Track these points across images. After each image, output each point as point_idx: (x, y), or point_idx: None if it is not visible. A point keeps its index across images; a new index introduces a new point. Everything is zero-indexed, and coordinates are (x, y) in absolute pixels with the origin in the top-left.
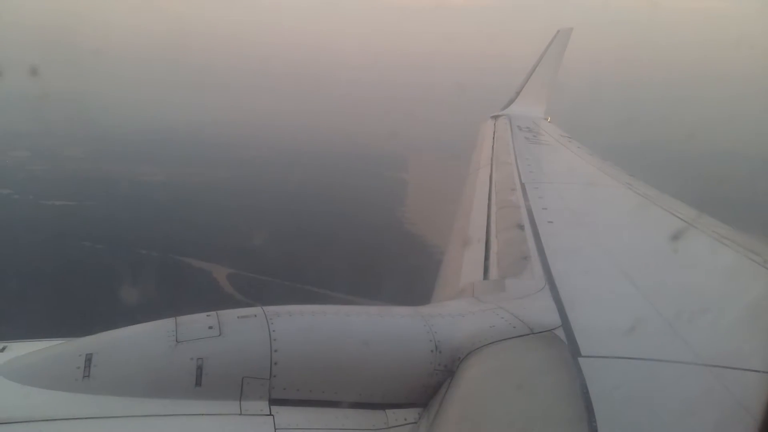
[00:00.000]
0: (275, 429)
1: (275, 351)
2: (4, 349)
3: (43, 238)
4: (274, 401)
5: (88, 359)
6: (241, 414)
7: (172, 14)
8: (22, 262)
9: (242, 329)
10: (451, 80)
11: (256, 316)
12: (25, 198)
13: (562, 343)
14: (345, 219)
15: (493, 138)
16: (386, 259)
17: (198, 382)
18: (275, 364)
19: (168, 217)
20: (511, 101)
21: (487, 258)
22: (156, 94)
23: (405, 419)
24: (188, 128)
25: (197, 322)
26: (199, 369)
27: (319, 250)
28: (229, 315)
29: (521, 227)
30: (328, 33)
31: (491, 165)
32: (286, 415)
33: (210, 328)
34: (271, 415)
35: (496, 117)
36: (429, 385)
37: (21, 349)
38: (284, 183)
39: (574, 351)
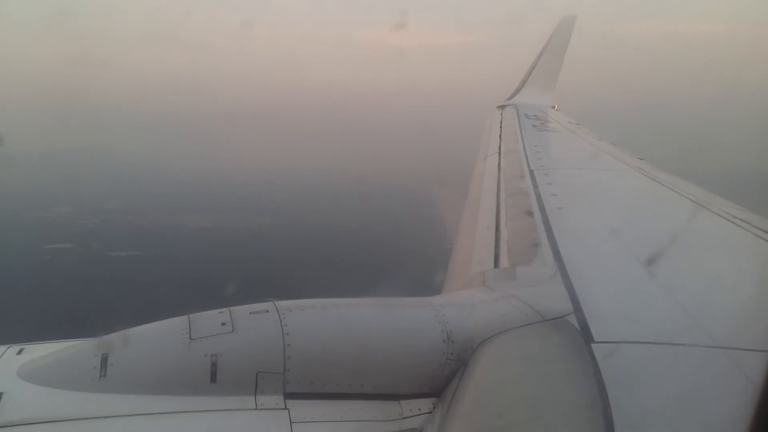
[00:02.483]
0: (291, 423)
1: (288, 345)
2: (21, 351)
3: (130, 289)
4: (288, 395)
5: (104, 359)
6: (256, 409)
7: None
8: (122, 315)
9: (255, 325)
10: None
11: (268, 311)
12: (91, 251)
13: (575, 329)
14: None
15: (500, 127)
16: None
17: (213, 379)
18: (288, 358)
19: (240, 261)
20: (517, 90)
21: (497, 246)
22: (171, 146)
23: (419, 409)
24: (213, 175)
25: (210, 318)
26: (214, 365)
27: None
28: (242, 311)
29: (531, 214)
30: (333, 78)
31: (499, 153)
32: (301, 409)
33: (223, 324)
34: (286, 409)
35: (502, 107)
36: (442, 374)
37: (38, 351)
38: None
39: (587, 337)
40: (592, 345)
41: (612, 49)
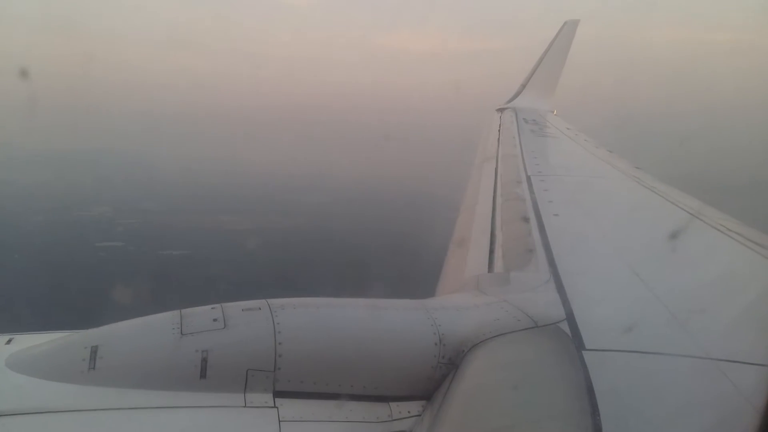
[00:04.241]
0: (279, 421)
1: (279, 343)
2: (10, 341)
3: (186, 287)
4: (278, 393)
5: (94, 351)
6: (245, 406)
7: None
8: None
9: (247, 321)
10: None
11: (260, 308)
12: (141, 249)
13: (567, 336)
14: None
15: (499, 130)
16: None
17: (203, 375)
18: (279, 356)
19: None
20: (517, 94)
21: (491, 251)
22: (195, 148)
23: (409, 412)
24: (245, 176)
25: (202, 314)
26: (204, 361)
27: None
28: (234, 307)
29: (526, 220)
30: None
31: (497, 157)
32: (291, 408)
33: (215, 320)
34: (275, 407)
35: (501, 110)
36: (433, 377)
37: (27, 342)
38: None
39: (579, 344)
40: (584, 352)
41: (616, 56)
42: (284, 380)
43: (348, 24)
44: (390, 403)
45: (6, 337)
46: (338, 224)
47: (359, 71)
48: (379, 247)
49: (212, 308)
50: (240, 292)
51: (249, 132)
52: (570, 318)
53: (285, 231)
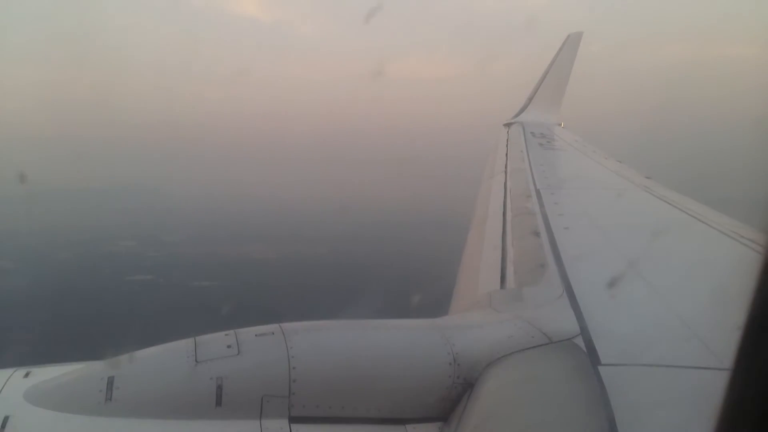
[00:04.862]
0: None
1: (293, 368)
2: (28, 374)
3: (222, 318)
4: (293, 419)
5: (110, 382)
6: None
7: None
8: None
9: (260, 347)
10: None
11: (273, 333)
12: (172, 282)
13: (582, 351)
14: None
15: (507, 145)
16: None
17: (218, 402)
18: (294, 381)
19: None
20: (523, 108)
21: (503, 267)
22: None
23: None
24: (264, 205)
25: (216, 341)
26: (219, 388)
27: None
28: (247, 333)
29: (537, 234)
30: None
31: (505, 172)
32: None
33: (228, 347)
34: None
35: (508, 124)
36: (448, 398)
37: (44, 374)
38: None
39: (594, 359)
40: (599, 367)
41: (625, 68)
42: (299, 405)
43: (357, 53)
44: (406, 426)
45: (24, 370)
46: (359, 248)
47: (371, 98)
48: (396, 269)
49: (226, 335)
50: (271, 321)
51: (266, 161)
52: (584, 333)
53: (311, 259)
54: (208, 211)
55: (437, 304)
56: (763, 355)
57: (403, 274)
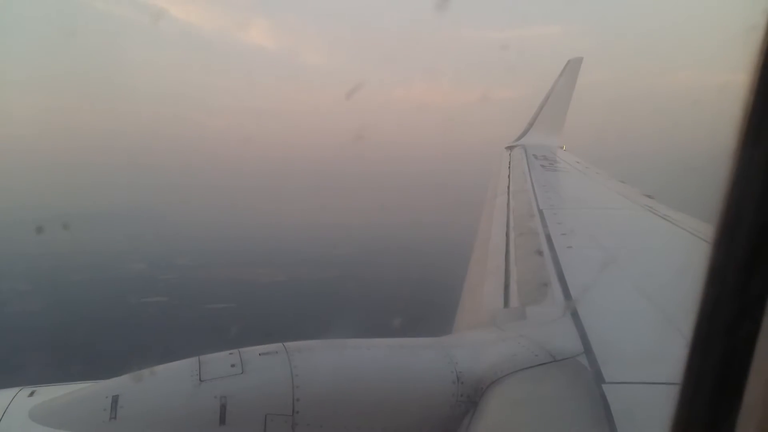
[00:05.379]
0: None
1: (297, 387)
2: (33, 393)
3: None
4: None
5: (115, 401)
6: None
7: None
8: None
9: (264, 366)
10: None
11: (277, 352)
12: (186, 303)
13: (586, 370)
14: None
15: (509, 167)
16: None
17: (222, 421)
18: (297, 400)
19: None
20: (525, 132)
21: (507, 286)
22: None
23: None
24: (270, 229)
25: (219, 360)
26: (223, 407)
27: None
28: (251, 352)
29: (540, 253)
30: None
31: (508, 193)
32: None
33: (232, 366)
34: None
35: (510, 147)
36: (452, 416)
37: (49, 394)
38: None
39: (598, 378)
40: (603, 386)
41: (629, 93)
42: (303, 424)
43: (363, 79)
44: None
45: (29, 390)
46: (366, 272)
47: (376, 124)
48: (403, 290)
49: (230, 354)
50: (281, 340)
51: (269, 185)
52: (588, 351)
53: (320, 282)
54: (222, 234)
55: (441, 323)
56: (709, 365)
57: (407, 294)
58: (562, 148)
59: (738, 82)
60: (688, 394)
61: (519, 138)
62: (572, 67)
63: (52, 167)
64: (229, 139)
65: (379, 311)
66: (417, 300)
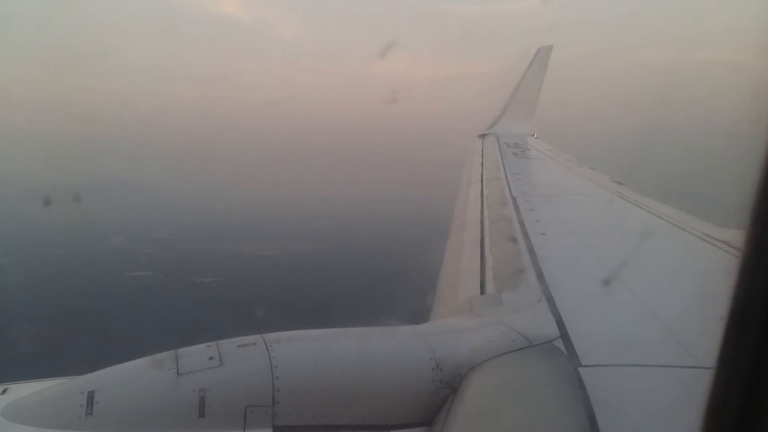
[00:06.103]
0: None
1: (276, 378)
2: (5, 391)
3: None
4: (278, 428)
5: (90, 396)
6: None
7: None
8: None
9: (242, 358)
10: None
11: (255, 344)
12: (171, 278)
13: (562, 353)
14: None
15: (482, 155)
16: None
17: (201, 414)
18: (277, 390)
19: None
20: (497, 120)
21: (482, 273)
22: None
23: None
24: (252, 203)
25: (198, 353)
26: (202, 400)
27: None
28: (229, 344)
29: (515, 240)
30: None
31: (481, 181)
32: None
33: (210, 358)
34: None
35: (483, 136)
36: (432, 403)
37: (22, 391)
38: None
39: (575, 361)
40: (580, 369)
41: (601, 74)
42: (283, 414)
43: (336, 53)
44: (391, 431)
45: (1, 387)
46: (350, 247)
47: (350, 99)
48: (375, 275)
49: (207, 346)
50: (281, 318)
51: (254, 160)
52: (564, 335)
53: (307, 256)
54: (195, 209)
55: (418, 311)
56: (744, 352)
57: (383, 280)
58: (533, 135)
59: (717, 60)
60: (722, 379)
61: (491, 126)
62: (542, 56)
63: (25, 141)
64: (204, 111)
65: (363, 286)
66: (387, 286)
